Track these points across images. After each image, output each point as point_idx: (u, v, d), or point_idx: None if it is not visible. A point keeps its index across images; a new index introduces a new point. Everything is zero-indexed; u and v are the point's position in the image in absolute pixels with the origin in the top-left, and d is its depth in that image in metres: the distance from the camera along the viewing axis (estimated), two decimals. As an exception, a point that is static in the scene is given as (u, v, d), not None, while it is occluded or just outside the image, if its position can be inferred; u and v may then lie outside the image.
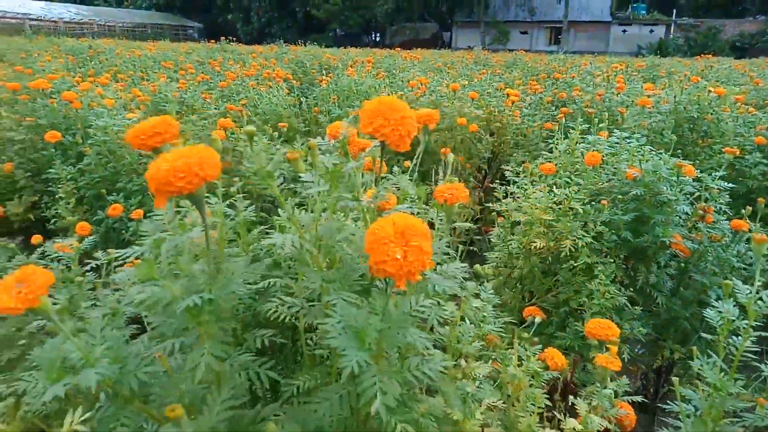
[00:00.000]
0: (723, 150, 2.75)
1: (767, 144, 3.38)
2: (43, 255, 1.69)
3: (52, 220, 3.00)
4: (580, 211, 2.16)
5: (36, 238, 2.65)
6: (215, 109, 3.88)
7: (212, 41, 15.65)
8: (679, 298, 2.36)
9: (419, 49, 18.16)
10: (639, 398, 1.30)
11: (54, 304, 1.44)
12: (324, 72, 8.96)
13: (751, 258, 2.30)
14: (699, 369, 1.29)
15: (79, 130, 3.24)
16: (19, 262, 1.60)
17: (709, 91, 3.84)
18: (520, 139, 4.38)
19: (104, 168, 3.02)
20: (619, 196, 2.26)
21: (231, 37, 16.78)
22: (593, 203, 2.25)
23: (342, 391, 0.89)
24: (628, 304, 2.15)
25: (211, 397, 0.89)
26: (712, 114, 3.82)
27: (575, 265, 2.15)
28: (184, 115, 4.05)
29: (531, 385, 1.14)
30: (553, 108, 5.14)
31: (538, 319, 1.61)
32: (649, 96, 4.27)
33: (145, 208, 2.83)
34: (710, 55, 17.17)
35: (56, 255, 1.66)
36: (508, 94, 4.34)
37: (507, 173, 2.69)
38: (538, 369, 1.17)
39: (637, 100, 3.98)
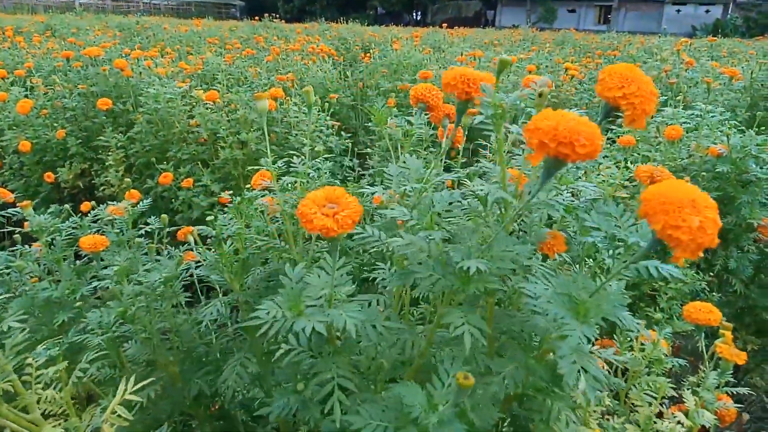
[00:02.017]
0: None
1: None
2: (95, 219, 1.63)
3: (101, 188, 2.99)
4: (659, 188, 1.98)
5: (86, 205, 2.64)
6: (265, 80, 3.79)
7: (255, 19, 15.64)
8: (758, 286, 2.18)
9: (462, 27, 17.73)
10: (745, 390, 1.15)
11: (110, 266, 1.38)
12: (366, 49, 8.81)
13: None
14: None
15: (130, 98, 3.21)
16: (73, 223, 1.55)
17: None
18: (577, 117, 4.17)
19: (154, 136, 2.99)
20: (703, 174, 2.08)
21: (272, 15, 16.74)
22: (671, 180, 2.07)
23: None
24: (707, 289, 1.99)
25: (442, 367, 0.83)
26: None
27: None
28: (232, 86, 3.99)
29: (650, 373, 1.02)
30: (611, 85, 4.88)
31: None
32: (720, 74, 3.99)
33: (195, 177, 2.79)
34: (765, 36, 16.20)
35: (110, 218, 1.61)
36: (567, 69, 4.12)
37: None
38: (662, 355, 1.04)
39: (706, 77, 3.72)
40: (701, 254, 0.64)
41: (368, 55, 7.07)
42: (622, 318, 0.78)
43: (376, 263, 1.42)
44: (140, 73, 3.42)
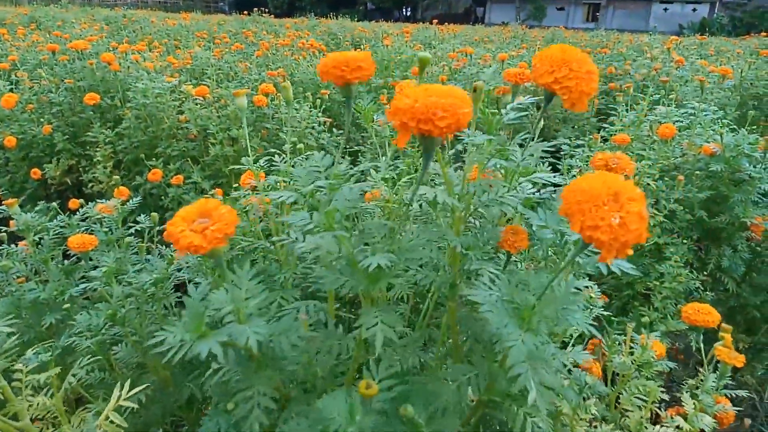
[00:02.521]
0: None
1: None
2: (84, 217, 1.60)
3: (89, 185, 2.94)
4: (653, 187, 1.99)
5: (74, 202, 2.59)
6: (255, 75, 3.75)
7: (244, 13, 15.48)
8: (749, 285, 2.18)
9: (452, 24, 17.69)
10: (744, 392, 1.15)
11: (99, 266, 1.35)
12: (356, 45, 8.77)
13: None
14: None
15: (118, 93, 3.16)
16: (61, 222, 1.51)
17: (779, 65, 3.57)
18: (568, 114, 4.17)
19: (143, 132, 2.94)
20: (696, 172, 2.08)
21: (262, 9, 16.60)
22: (664, 179, 2.07)
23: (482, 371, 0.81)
24: (701, 288, 1.99)
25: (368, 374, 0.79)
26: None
27: (643, 245, 1.99)
28: (222, 82, 3.94)
29: (640, 376, 1.01)
30: (602, 83, 4.89)
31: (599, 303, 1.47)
32: (710, 72, 4.01)
33: (185, 174, 2.75)
34: (751, 35, 16.31)
35: (99, 216, 1.57)
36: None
37: (564, 147, 2.52)
38: (651, 358, 1.03)
39: (697, 76, 3.73)
40: (630, 252, 0.60)
41: (358, 50, 7.03)
42: (573, 321, 0.74)
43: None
44: (128, 67, 3.36)
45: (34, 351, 0.86)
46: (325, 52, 6.72)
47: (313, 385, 0.91)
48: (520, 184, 0.95)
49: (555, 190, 0.96)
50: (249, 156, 1.16)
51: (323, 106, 3.28)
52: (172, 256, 1.56)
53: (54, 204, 1.57)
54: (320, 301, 1.01)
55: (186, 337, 0.71)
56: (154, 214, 1.70)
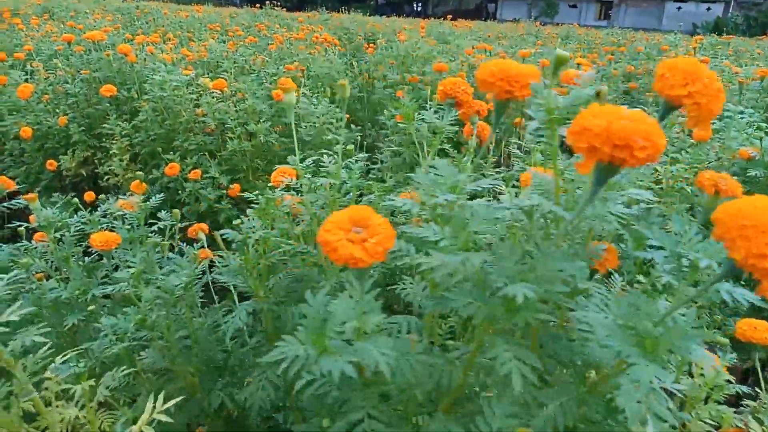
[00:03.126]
0: None
1: None
2: (105, 213, 1.55)
3: (105, 177, 2.90)
4: (688, 191, 1.92)
5: (90, 195, 2.56)
6: (273, 69, 3.69)
7: (256, 6, 15.42)
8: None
9: (463, 20, 17.58)
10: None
11: (121, 265, 1.30)
12: (370, 40, 8.70)
13: None
14: None
15: (135, 85, 3.11)
16: (82, 218, 1.46)
17: (809, 66, 3.48)
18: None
19: (160, 125, 2.89)
20: (735, 178, 2.00)
21: (273, 2, 16.52)
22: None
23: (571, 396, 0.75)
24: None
25: (489, 408, 0.73)
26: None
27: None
28: (237, 75, 3.88)
29: (708, 400, 0.95)
30: (620, 82, 4.81)
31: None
32: (734, 74, 3.93)
33: (202, 168, 2.70)
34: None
35: (120, 213, 1.52)
36: (578, 64, 4.03)
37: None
38: (724, 381, 0.97)
39: (739, 78, 3.65)
40: None
41: (372, 45, 6.96)
42: (696, 354, 0.68)
43: (402, 274, 1.33)
44: (144, 59, 3.31)
45: (64, 358, 0.82)
46: (338, 46, 6.66)
47: (405, 409, 0.85)
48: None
49: (649, 206, 0.90)
50: (296, 155, 1.10)
51: (341, 101, 3.21)
52: (195, 255, 1.51)
53: (74, 199, 1.51)
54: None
55: (310, 352, 0.67)
56: (175, 210, 1.66)
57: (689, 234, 0.81)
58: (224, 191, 2.66)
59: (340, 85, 1.09)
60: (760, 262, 0.52)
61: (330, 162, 1.14)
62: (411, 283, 1.04)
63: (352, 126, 3.31)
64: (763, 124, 2.10)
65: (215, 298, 1.44)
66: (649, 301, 0.74)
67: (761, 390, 1.06)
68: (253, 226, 1.08)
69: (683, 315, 0.78)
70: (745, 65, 4.64)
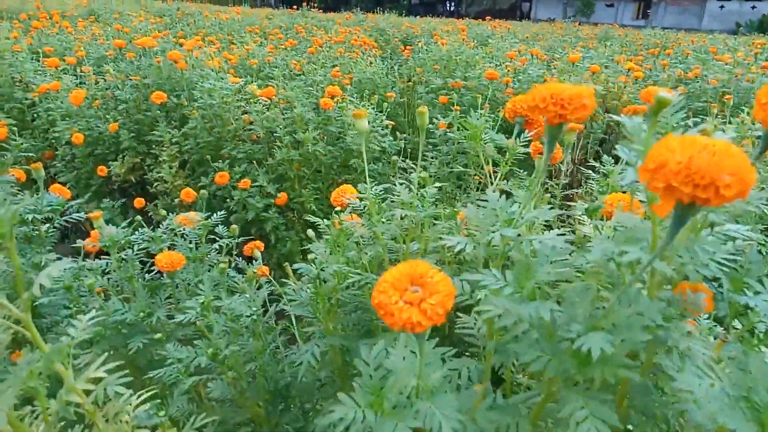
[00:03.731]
0: None
1: None
2: (167, 229, 1.53)
3: (154, 183, 2.92)
4: None
5: (139, 201, 2.57)
6: (321, 75, 3.67)
7: (293, 7, 15.54)
8: None
9: (497, 19, 17.39)
10: None
11: (185, 284, 1.28)
12: (406, 42, 8.65)
13: None
14: None
15: (184, 92, 3.13)
16: (145, 235, 1.45)
17: None
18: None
19: (208, 133, 2.90)
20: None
21: (310, 4, 16.61)
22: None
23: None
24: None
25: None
26: None
27: None
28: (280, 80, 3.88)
29: None
30: (672, 85, 4.64)
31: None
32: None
33: (249, 177, 2.70)
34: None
35: (180, 229, 1.51)
36: (629, 69, 3.91)
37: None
38: None
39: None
40: None
41: (408, 47, 6.90)
42: None
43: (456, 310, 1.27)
44: (193, 65, 3.33)
45: (142, 399, 0.78)
46: (376, 49, 6.63)
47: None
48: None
49: (750, 244, 0.83)
50: (367, 183, 1.06)
51: (388, 110, 3.17)
52: (254, 272, 1.48)
53: (138, 218, 1.50)
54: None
55: (367, 416, 0.62)
56: (233, 226, 1.64)
57: None
58: (271, 200, 2.65)
59: (420, 113, 1.03)
60: None
61: (404, 190, 1.09)
62: (468, 323, 0.98)
63: (397, 133, 3.27)
64: None
65: (273, 317, 1.41)
66: (758, 360, 0.67)
67: None
68: (326, 260, 1.04)
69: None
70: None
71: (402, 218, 1.05)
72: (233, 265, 1.63)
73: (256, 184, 2.64)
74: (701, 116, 3.47)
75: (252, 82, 3.39)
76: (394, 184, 1.16)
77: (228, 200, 2.67)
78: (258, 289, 1.45)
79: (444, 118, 3.21)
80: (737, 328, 0.94)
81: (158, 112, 2.97)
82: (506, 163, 1.34)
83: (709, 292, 0.85)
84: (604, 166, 1.28)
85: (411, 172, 3.05)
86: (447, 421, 0.62)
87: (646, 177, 0.54)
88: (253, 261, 1.55)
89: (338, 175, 2.96)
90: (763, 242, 1.19)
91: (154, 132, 2.88)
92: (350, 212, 1.24)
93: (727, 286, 0.84)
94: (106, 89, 3.26)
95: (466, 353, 1.09)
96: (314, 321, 1.07)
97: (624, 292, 0.69)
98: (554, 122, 0.74)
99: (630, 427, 0.86)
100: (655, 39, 10.44)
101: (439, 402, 0.65)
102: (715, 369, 0.65)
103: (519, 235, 0.80)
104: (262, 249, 1.62)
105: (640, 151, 0.67)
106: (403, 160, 3.09)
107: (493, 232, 0.80)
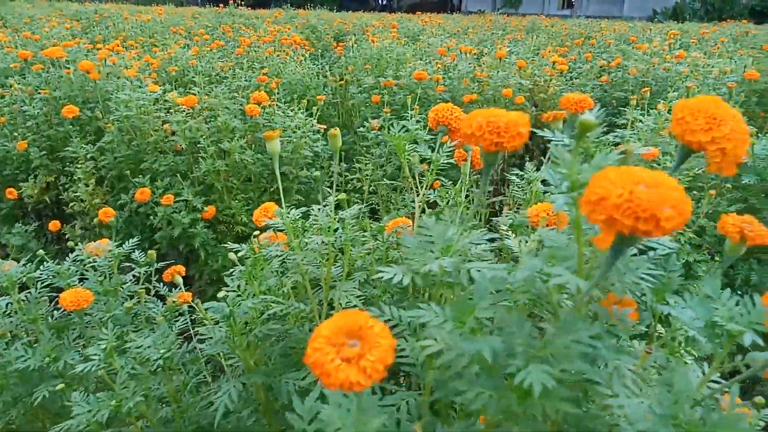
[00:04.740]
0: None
1: None
2: (75, 260, 1.42)
3: (71, 204, 2.74)
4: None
5: (54, 224, 2.40)
6: (245, 81, 3.55)
7: (220, 6, 15.07)
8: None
9: (428, 12, 17.51)
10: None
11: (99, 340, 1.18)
12: (338, 39, 8.57)
13: None
14: None
15: (98, 104, 2.95)
16: (49, 270, 1.33)
17: (782, 60, 3.50)
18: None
19: (127, 146, 2.74)
20: (728, 185, 1.97)
21: (237, 1, 16.17)
22: (692, 192, 1.97)
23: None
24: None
25: None
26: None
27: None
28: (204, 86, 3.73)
29: None
30: (595, 76, 4.78)
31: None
32: (705, 65, 3.94)
33: (173, 191, 2.57)
34: (727, 21, 16.40)
35: (91, 261, 1.40)
36: (554, 62, 4.00)
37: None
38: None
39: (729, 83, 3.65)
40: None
41: (341, 44, 6.83)
42: None
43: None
44: (107, 74, 3.14)
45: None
46: (307, 47, 6.52)
47: None
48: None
49: (668, 254, 0.83)
50: (283, 207, 1.00)
51: (318, 113, 3.11)
52: (174, 302, 1.40)
53: (41, 252, 1.37)
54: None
55: None
56: (151, 252, 1.54)
57: (723, 299, 0.74)
58: (198, 214, 2.53)
59: (332, 135, 0.99)
60: None
61: (320, 213, 1.04)
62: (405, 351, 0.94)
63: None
64: (752, 128, 2.07)
65: (197, 349, 1.33)
66: (681, 374, 0.67)
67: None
68: (239, 296, 0.98)
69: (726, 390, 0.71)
70: (716, 56, 4.66)
71: (322, 243, 1.00)
72: (153, 292, 1.54)
73: (181, 198, 2.52)
74: (622, 106, 3.59)
75: (173, 89, 3.24)
76: (329, 189, 1.11)
77: (152, 217, 2.54)
78: (179, 316, 1.37)
79: (374, 119, 3.18)
80: (662, 336, 0.95)
81: (71, 126, 2.78)
82: (431, 173, 1.31)
83: (634, 304, 0.85)
84: (525, 174, 1.27)
85: (347, 177, 3.01)
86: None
87: (587, 209, 0.55)
88: (175, 287, 1.47)
89: (270, 184, 2.87)
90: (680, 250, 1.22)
91: (67, 148, 2.70)
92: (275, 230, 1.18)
93: (650, 297, 0.84)
94: (12, 104, 3.02)
95: (401, 374, 1.06)
96: (234, 357, 1.00)
97: (562, 320, 0.68)
98: (491, 150, 0.72)
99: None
100: (579, 29, 10.77)
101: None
102: (642, 387, 0.64)
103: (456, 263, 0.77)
104: (184, 273, 1.53)
105: (566, 174, 0.65)
106: (339, 164, 3.05)
107: (426, 263, 0.77)
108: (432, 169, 1.29)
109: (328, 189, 1.09)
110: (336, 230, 1.01)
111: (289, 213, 1.01)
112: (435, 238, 0.78)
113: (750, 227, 0.77)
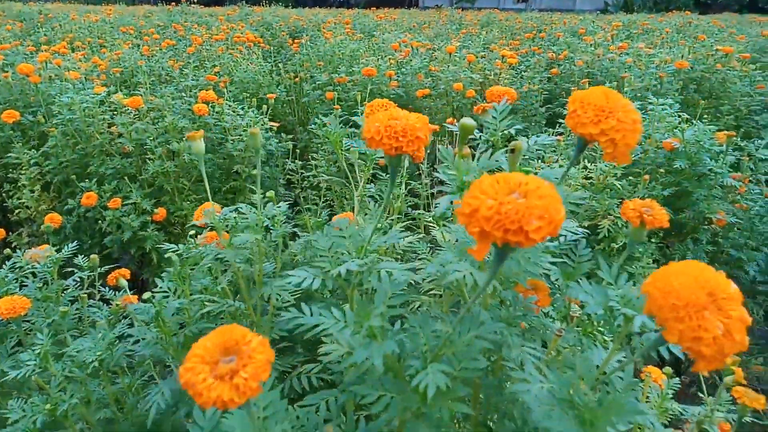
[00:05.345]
0: (751, 114, 2.57)
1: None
2: (13, 267, 1.39)
3: (16, 211, 2.67)
4: (618, 187, 1.95)
5: (-1, 232, 2.34)
6: (193, 80, 3.50)
7: (172, 3, 14.74)
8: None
9: (386, 8, 17.52)
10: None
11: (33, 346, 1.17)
12: (293, 36, 8.51)
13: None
14: None
15: (41, 108, 2.87)
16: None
17: (717, 49, 3.66)
18: (516, 105, 4.14)
19: (72, 150, 2.68)
20: (660, 170, 2.06)
21: (190, -1, 15.82)
22: (628, 178, 2.05)
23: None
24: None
25: None
26: (716, 74, 3.65)
27: (613, 246, 1.96)
28: (154, 86, 3.67)
29: None
30: (542, 69, 4.89)
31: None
32: (648, 54, 4.08)
33: (122, 194, 2.53)
34: (673, 12, 16.95)
35: (30, 266, 1.38)
36: (503, 56, 4.07)
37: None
38: (670, 405, 0.97)
39: (661, 73, 3.77)
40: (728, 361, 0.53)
41: (297, 41, 6.78)
42: (641, 421, 0.66)
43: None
44: (50, 77, 3.06)
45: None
46: (262, 44, 6.46)
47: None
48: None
49: (577, 241, 0.87)
50: (210, 207, 1.01)
51: (269, 111, 3.10)
52: (118, 305, 1.39)
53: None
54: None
55: None
56: (93, 256, 1.52)
57: (620, 283, 0.78)
58: (149, 217, 2.50)
59: (252, 134, 1.00)
60: (697, 345, 0.50)
61: (249, 212, 1.05)
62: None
63: (283, 135, 3.20)
64: (684, 114, 2.17)
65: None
66: (583, 358, 0.71)
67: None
68: (167, 296, 0.98)
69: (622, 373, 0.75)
70: (660, 46, 4.83)
71: (254, 241, 1.01)
72: (98, 297, 1.52)
73: (130, 201, 2.48)
74: (565, 98, 3.69)
75: (119, 90, 3.18)
76: (286, 186, 1.13)
77: (100, 221, 2.49)
78: (124, 319, 1.36)
79: (325, 116, 3.18)
80: (576, 315, 1.00)
81: (12, 132, 2.70)
82: (368, 168, 1.34)
83: (546, 289, 0.89)
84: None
85: (302, 174, 3.00)
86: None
87: (462, 221, 0.56)
88: (119, 290, 1.46)
89: (223, 183, 2.85)
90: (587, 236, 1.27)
91: (9, 154, 2.63)
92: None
93: (561, 281, 0.88)
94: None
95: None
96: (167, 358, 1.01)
97: (464, 316, 0.71)
98: (392, 154, 0.73)
99: (491, 425, 0.89)
100: (531, 22, 10.97)
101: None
102: (545, 371, 0.67)
103: (367, 264, 0.79)
104: (128, 276, 1.52)
105: (453, 175, 0.68)
106: (293, 161, 3.05)
107: (339, 265, 0.79)
108: (368, 164, 1.32)
109: (283, 186, 1.10)
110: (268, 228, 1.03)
111: (217, 212, 1.02)
112: (348, 239, 0.80)
113: (649, 211, 0.81)
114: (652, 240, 1.98)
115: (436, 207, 0.70)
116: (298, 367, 1.07)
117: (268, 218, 1.04)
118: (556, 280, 0.89)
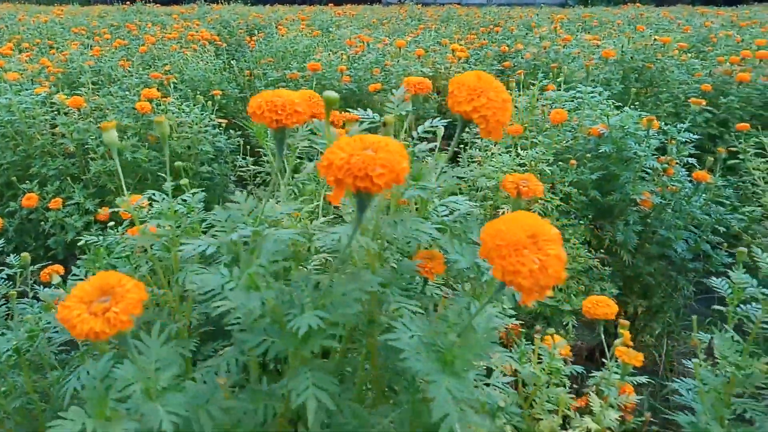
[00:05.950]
0: (689, 101, 2.69)
1: (712, 91, 3.40)
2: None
3: (-45, 215, 2.62)
4: (548, 172, 2.03)
5: (-64, 239, 2.30)
6: (137, 78, 3.48)
7: (127, 3, 14.45)
8: (642, 255, 2.32)
9: (348, 5, 17.52)
10: (644, 378, 1.19)
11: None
12: (252, 32, 8.46)
13: (715, 210, 2.28)
14: (701, 341, 1.20)
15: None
16: None
17: (655, 39, 3.80)
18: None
19: (13, 152, 2.64)
20: (587, 155, 2.15)
21: (147, -2, 15.54)
22: (558, 163, 2.13)
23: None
24: (598, 266, 2.08)
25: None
26: (656, 63, 3.79)
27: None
28: (102, 86, 3.63)
29: (550, 384, 1.01)
30: (495, 63, 5.00)
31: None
32: (595, 46, 4.21)
33: (64, 195, 2.51)
34: (627, 5, 17.40)
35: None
36: (453, 50, 4.15)
37: (464, 135, 2.54)
38: (561, 365, 1.03)
39: (587, 61, 3.89)
40: (550, 293, 0.61)
41: (254, 38, 6.76)
42: (495, 359, 0.73)
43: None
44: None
45: None
46: (218, 42, 6.42)
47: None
48: (435, 208, 0.92)
49: (469, 213, 0.93)
50: (125, 195, 1.03)
51: (216, 106, 3.10)
52: (48, 303, 1.40)
53: None
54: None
55: (89, 425, 0.63)
56: (24, 254, 1.52)
57: None
58: (92, 216, 2.48)
59: (156, 122, 1.03)
60: (515, 277, 0.56)
61: (161, 200, 1.08)
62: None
63: (231, 132, 3.21)
64: (611, 101, 2.27)
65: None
66: (453, 308, 0.79)
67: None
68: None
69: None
70: (608, 36, 4.97)
71: (166, 228, 1.04)
72: (31, 294, 1.52)
73: (73, 201, 2.47)
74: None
75: (66, 90, 3.14)
76: (236, 183, 1.16)
77: (43, 223, 2.47)
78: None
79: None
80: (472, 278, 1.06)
81: (-52, 135, 2.65)
82: (293, 157, 1.38)
83: (440, 257, 0.95)
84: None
85: (253, 171, 3.01)
86: (168, 417, 0.65)
87: (322, 172, 0.63)
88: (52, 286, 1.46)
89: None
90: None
91: (-54, 158, 2.58)
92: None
93: (453, 249, 0.94)
94: None
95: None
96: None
97: (343, 271, 0.76)
98: (274, 127, 0.78)
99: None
100: (490, 17, 11.14)
101: (166, 401, 0.68)
102: (417, 322, 0.73)
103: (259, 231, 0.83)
104: (62, 272, 1.53)
105: (324, 144, 0.73)
106: (243, 158, 3.06)
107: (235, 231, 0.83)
108: (293, 153, 1.36)
109: (168, 178, 1.13)
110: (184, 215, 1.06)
111: (130, 202, 1.05)
112: (244, 211, 0.85)
113: (525, 183, 0.88)
114: (581, 222, 2.07)
115: (303, 169, 0.76)
116: (220, 351, 1.11)
117: (184, 205, 1.07)
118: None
